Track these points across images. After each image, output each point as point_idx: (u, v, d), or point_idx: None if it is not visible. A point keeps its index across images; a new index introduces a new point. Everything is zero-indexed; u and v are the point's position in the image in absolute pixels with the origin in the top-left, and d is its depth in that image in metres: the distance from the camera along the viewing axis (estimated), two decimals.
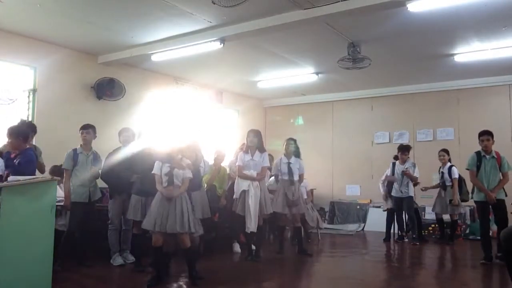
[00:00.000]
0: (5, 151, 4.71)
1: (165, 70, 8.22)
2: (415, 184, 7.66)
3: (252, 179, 5.83)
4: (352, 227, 9.27)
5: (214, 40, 6.12)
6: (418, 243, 7.36)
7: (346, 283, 4.94)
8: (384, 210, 8.14)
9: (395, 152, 7.93)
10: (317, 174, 9.82)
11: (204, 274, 4.70)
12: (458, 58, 7.21)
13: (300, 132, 10.23)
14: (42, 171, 5.31)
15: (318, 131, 10.45)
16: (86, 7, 5.37)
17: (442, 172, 7.57)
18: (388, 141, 9.66)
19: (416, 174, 7.60)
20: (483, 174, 5.74)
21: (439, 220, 7.74)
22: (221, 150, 6.91)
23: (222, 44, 6.14)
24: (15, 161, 4.42)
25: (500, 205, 5.67)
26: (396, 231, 7.97)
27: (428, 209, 8.31)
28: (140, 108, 7.93)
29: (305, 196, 7.53)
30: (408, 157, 7.78)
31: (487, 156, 5.78)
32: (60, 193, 5.19)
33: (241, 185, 5.84)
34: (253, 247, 6.00)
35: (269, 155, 6.61)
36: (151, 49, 6.70)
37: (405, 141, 9.19)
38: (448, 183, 7.45)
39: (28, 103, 6.49)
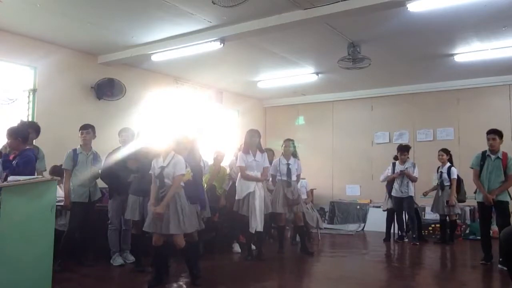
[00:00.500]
0: (5, 151, 4.71)
1: (165, 70, 8.21)
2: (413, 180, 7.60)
3: (257, 180, 5.84)
4: (352, 227, 9.26)
5: (214, 40, 6.12)
6: (418, 243, 7.36)
7: (346, 283, 4.95)
8: (384, 210, 8.14)
9: (395, 152, 7.92)
10: (317, 174, 9.83)
11: (204, 274, 4.70)
12: (458, 58, 7.21)
13: (300, 132, 10.26)
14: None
15: (318, 131, 10.44)
16: (86, 7, 5.37)
17: (441, 172, 7.56)
18: (388, 141, 9.65)
19: (415, 174, 7.60)
20: (484, 174, 5.62)
21: (443, 221, 7.60)
22: (221, 150, 6.92)
23: (222, 44, 6.14)
24: (13, 162, 4.41)
25: (501, 208, 5.47)
26: (396, 231, 7.97)
27: (428, 209, 8.30)
28: (140, 108, 7.93)
29: (304, 196, 7.54)
30: (408, 157, 7.77)
31: (492, 156, 5.60)
32: (60, 193, 5.20)
33: (246, 186, 5.83)
34: (253, 247, 6.01)
35: (270, 149, 6.66)
36: (151, 49, 6.70)
37: (405, 141, 9.18)
38: (447, 183, 7.44)
39: (28, 103, 6.49)
